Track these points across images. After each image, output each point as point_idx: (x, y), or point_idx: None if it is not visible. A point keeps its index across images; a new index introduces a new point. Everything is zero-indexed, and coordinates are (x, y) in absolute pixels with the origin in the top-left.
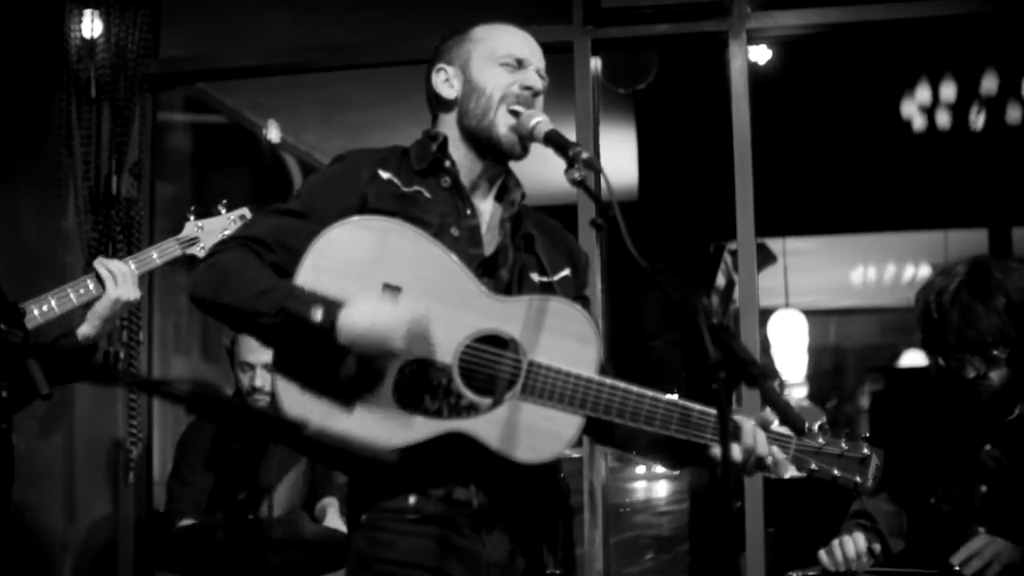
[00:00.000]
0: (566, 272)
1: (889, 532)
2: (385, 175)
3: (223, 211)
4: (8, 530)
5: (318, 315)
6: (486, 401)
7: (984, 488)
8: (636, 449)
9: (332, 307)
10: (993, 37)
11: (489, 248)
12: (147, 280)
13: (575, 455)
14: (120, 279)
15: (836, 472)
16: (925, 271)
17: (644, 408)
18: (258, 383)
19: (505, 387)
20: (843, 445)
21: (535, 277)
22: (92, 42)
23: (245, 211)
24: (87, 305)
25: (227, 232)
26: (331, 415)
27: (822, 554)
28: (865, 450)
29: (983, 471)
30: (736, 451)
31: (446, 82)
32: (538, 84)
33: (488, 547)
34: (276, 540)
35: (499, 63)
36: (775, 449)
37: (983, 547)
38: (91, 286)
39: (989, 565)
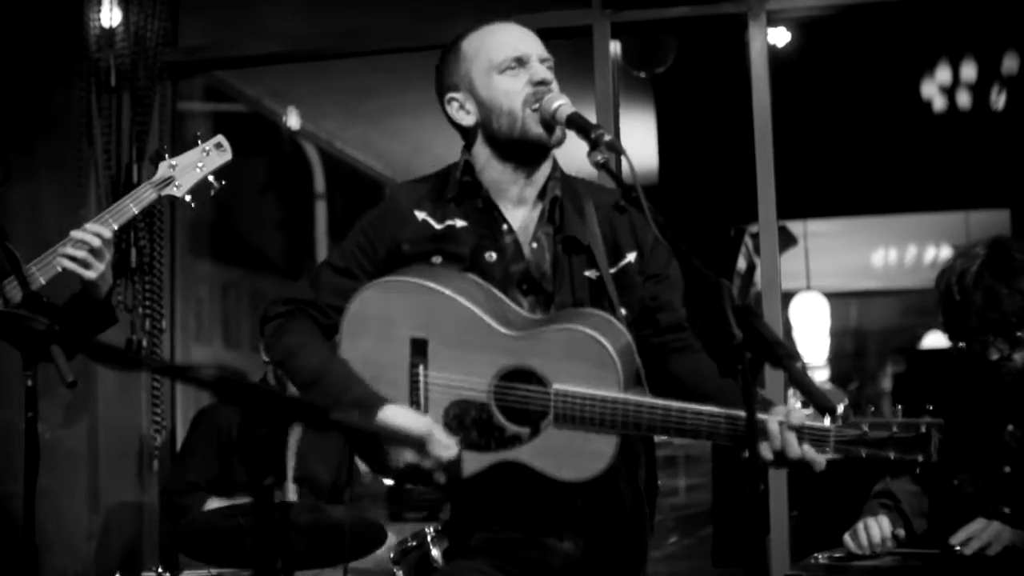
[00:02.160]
0: (629, 258)
1: (912, 513)
2: (420, 216)
3: (199, 143)
4: (34, 518)
5: (356, 419)
6: (526, 431)
7: (1008, 469)
8: None
9: (370, 411)
10: (1013, 16)
11: (534, 258)
12: (168, 270)
13: None
14: (89, 262)
15: (891, 455)
16: (946, 252)
17: (672, 420)
18: None
19: (540, 417)
20: (893, 428)
21: (588, 274)
22: (111, 31)
23: (220, 139)
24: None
25: (202, 167)
26: None
27: (847, 537)
28: (922, 428)
29: (1006, 452)
30: (766, 451)
31: (461, 110)
32: (547, 74)
33: (564, 541)
34: (302, 526)
35: (500, 71)
36: (807, 448)
37: (981, 529)
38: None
39: (988, 546)
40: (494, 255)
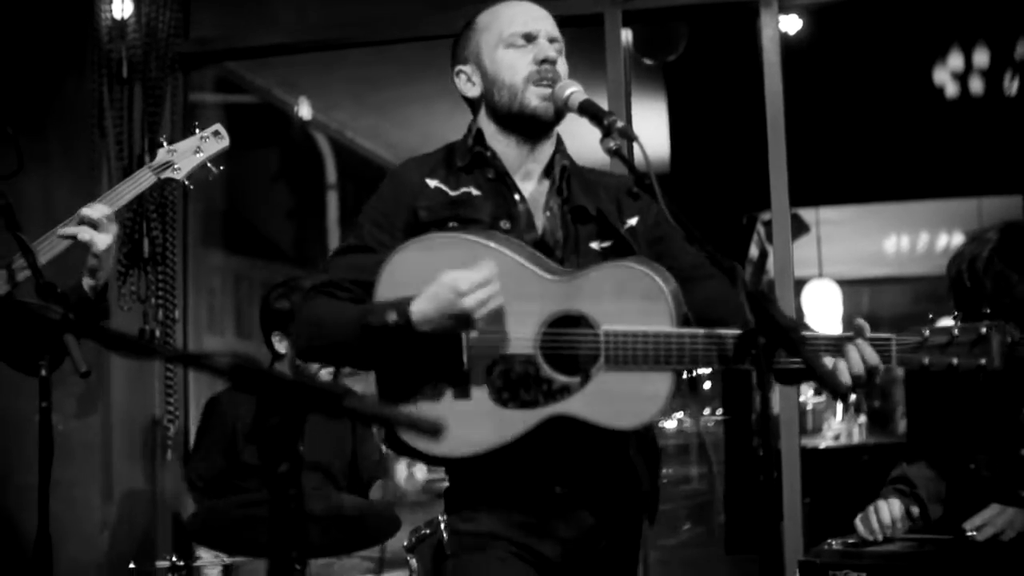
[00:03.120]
0: (633, 222)
1: (928, 498)
2: (433, 183)
3: (197, 131)
4: (48, 508)
5: (392, 316)
6: (576, 380)
7: (1023, 452)
8: None
9: (402, 304)
10: None
11: (549, 226)
12: (181, 261)
13: None
14: (99, 229)
15: (954, 360)
16: (959, 239)
17: (728, 349)
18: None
19: (590, 362)
20: (954, 331)
21: (595, 246)
22: (123, 22)
23: (218, 127)
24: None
25: (201, 153)
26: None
27: (857, 521)
28: (981, 328)
29: (1021, 435)
30: (843, 371)
31: (467, 82)
32: (552, 53)
33: (569, 523)
34: (314, 515)
35: (507, 46)
36: (870, 354)
37: (995, 515)
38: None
39: (1002, 532)
40: (508, 224)
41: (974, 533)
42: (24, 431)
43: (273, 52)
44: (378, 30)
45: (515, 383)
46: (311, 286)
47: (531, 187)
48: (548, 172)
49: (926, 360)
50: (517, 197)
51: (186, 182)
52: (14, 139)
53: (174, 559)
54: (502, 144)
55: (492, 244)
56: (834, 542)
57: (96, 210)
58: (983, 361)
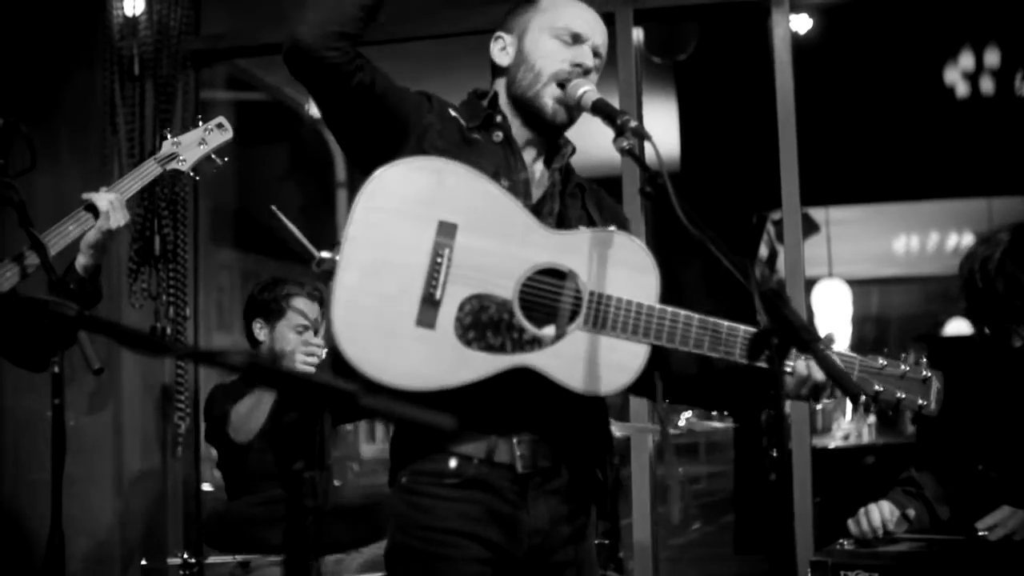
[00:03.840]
0: (612, 229)
1: (936, 499)
2: (453, 113)
3: (200, 123)
4: (61, 504)
5: None
6: (549, 334)
7: None
8: (692, 396)
9: None
10: None
11: (539, 199)
12: (192, 258)
13: (618, 434)
14: (110, 208)
15: (900, 394)
16: (968, 239)
17: (708, 335)
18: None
19: (567, 319)
20: (904, 367)
21: (584, 229)
22: (135, 20)
23: (222, 119)
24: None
25: (205, 145)
26: (391, 354)
27: (850, 522)
28: (926, 372)
29: None
30: (815, 370)
31: (502, 50)
32: (590, 62)
33: (531, 513)
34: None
35: (553, 36)
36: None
37: (1007, 517)
38: (84, 218)
39: (1014, 533)
40: (508, 183)
41: (986, 533)
42: (35, 428)
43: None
44: (386, 29)
45: (484, 324)
46: None
47: (530, 160)
48: (547, 161)
49: (878, 387)
50: (520, 165)
51: (191, 173)
52: (27, 137)
53: (185, 556)
54: (510, 117)
55: (492, 183)
56: (845, 542)
57: (102, 196)
58: (922, 403)
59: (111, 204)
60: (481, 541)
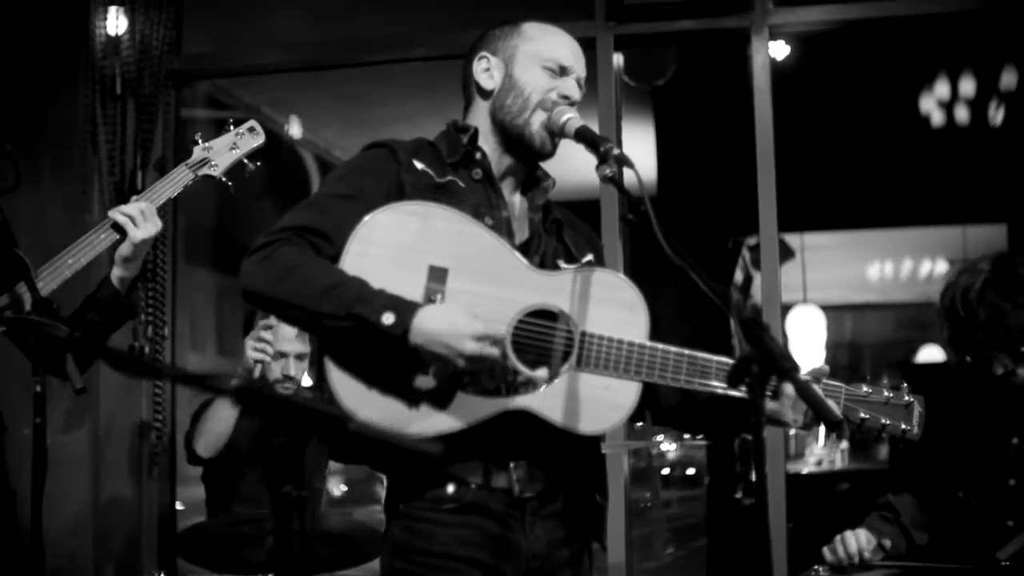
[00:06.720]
0: (589, 257)
1: (913, 525)
2: (420, 165)
3: (231, 128)
4: (41, 523)
5: (389, 319)
6: (542, 375)
7: (1012, 481)
8: (674, 422)
9: (403, 311)
10: (1012, 32)
11: (520, 237)
12: (170, 277)
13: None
14: (139, 219)
15: (885, 420)
16: (942, 267)
17: (698, 370)
18: (292, 372)
19: (560, 360)
20: (887, 393)
21: (562, 264)
22: (117, 39)
23: (253, 123)
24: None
25: (237, 149)
26: (389, 403)
27: (825, 550)
28: (908, 397)
29: (1011, 464)
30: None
31: (486, 71)
32: (576, 95)
33: (528, 537)
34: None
35: (542, 66)
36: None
37: None
38: (103, 236)
39: None
40: (491, 222)
41: (1007, 563)
42: (12, 446)
43: (264, 70)
44: (368, 51)
45: (479, 368)
46: (285, 226)
47: (509, 193)
48: (524, 189)
49: (864, 414)
50: (500, 202)
51: (224, 179)
52: (12, 156)
53: (161, 574)
54: (490, 145)
55: (477, 224)
56: (820, 568)
57: (132, 207)
58: (906, 427)
59: (142, 213)
60: (479, 565)
